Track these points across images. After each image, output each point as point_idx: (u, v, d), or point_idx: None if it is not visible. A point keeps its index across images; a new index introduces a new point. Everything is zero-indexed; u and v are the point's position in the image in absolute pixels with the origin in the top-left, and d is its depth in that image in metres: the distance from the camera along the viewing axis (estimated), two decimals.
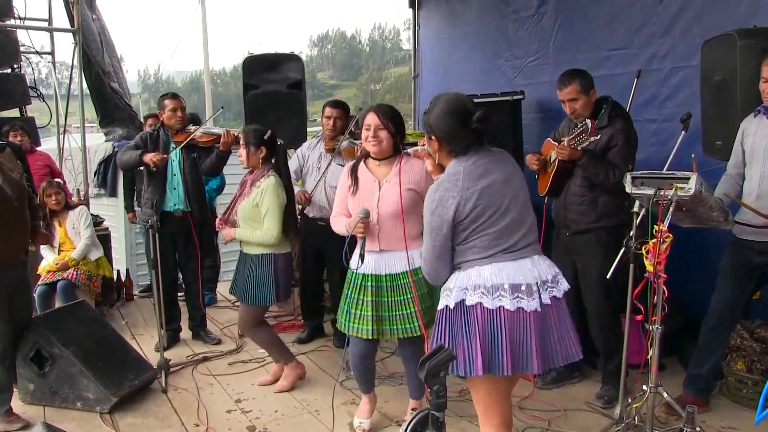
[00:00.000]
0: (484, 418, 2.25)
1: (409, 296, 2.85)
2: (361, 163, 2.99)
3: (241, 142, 3.51)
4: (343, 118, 4.19)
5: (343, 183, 3.06)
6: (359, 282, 2.93)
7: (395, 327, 2.89)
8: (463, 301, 2.11)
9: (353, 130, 4.10)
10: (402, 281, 2.86)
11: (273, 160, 3.53)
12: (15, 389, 3.42)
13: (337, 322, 3.08)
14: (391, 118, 2.87)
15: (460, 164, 2.18)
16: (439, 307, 2.21)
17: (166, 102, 4.29)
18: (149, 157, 4.11)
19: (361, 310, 2.92)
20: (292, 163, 4.24)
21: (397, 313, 2.87)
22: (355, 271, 2.91)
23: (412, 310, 2.84)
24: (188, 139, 4.16)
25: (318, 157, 4.21)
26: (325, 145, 4.19)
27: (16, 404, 3.38)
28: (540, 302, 2.10)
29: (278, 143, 3.57)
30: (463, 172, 2.15)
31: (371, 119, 2.86)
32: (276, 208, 3.39)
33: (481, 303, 2.07)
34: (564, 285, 2.22)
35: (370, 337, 2.91)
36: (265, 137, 3.47)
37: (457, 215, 2.12)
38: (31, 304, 3.56)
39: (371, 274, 2.90)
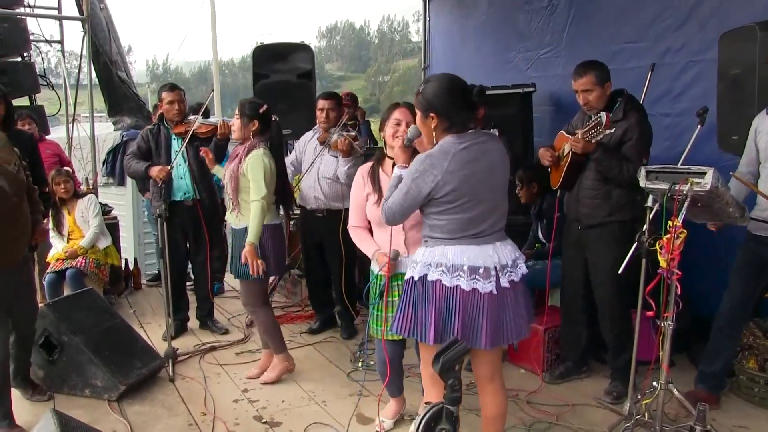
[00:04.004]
0: (429, 383, 2.47)
1: None
2: (379, 168, 2.84)
3: (236, 112, 3.48)
4: (336, 110, 4.16)
5: (357, 191, 2.89)
6: (382, 283, 2.76)
7: None
8: (425, 275, 2.29)
9: (345, 123, 4.12)
10: None
11: (267, 136, 3.48)
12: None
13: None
14: None
15: (453, 145, 2.25)
16: (406, 276, 2.40)
17: (164, 94, 4.28)
18: (155, 173, 4.12)
19: (391, 312, 2.74)
20: (291, 155, 4.27)
21: None
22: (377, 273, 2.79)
23: None
24: (189, 134, 4.15)
25: (314, 150, 4.19)
26: (319, 137, 4.17)
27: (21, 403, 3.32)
28: (497, 285, 2.26)
29: (273, 119, 3.52)
30: (453, 153, 2.23)
31: (402, 114, 2.73)
32: (259, 178, 3.33)
33: (440, 280, 2.25)
34: (522, 269, 2.38)
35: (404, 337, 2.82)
36: (260, 111, 3.43)
37: (433, 192, 2.24)
38: (36, 309, 3.36)
39: (400, 273, 2.72)
